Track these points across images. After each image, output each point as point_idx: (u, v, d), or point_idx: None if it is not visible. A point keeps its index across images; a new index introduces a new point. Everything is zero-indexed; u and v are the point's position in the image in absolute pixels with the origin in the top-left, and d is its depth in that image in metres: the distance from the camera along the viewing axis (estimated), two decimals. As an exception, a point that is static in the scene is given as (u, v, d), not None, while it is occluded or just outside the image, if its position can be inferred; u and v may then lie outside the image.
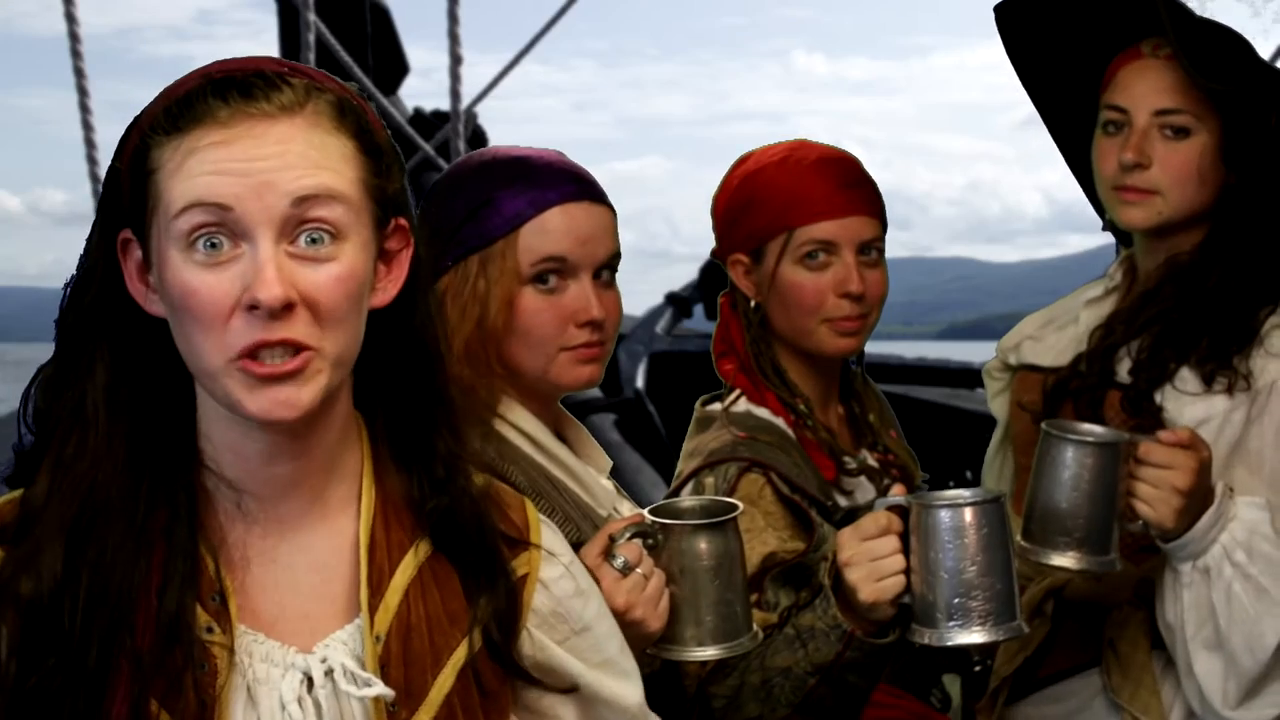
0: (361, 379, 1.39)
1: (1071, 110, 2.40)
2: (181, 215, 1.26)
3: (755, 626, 1.87)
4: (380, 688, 1.33)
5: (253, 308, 1.24)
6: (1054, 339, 2.40)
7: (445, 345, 1.46)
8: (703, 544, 1.81)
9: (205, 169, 1.25)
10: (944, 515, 1.86)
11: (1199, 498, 2.03)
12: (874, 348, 2.35)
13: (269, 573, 1.36)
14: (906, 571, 1.88)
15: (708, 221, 2.33)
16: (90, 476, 1.30)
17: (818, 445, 2.22)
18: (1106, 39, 2.29)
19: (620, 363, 6.86)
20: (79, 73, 5.18)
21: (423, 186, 2.54)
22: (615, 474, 2.09)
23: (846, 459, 2.23)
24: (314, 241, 1.27)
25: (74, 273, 1.37)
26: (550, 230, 1.89)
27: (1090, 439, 2.03)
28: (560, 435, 1.99)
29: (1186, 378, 2.19)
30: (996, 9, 2.37)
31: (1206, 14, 2.27)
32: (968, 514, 1.85)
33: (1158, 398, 2.20)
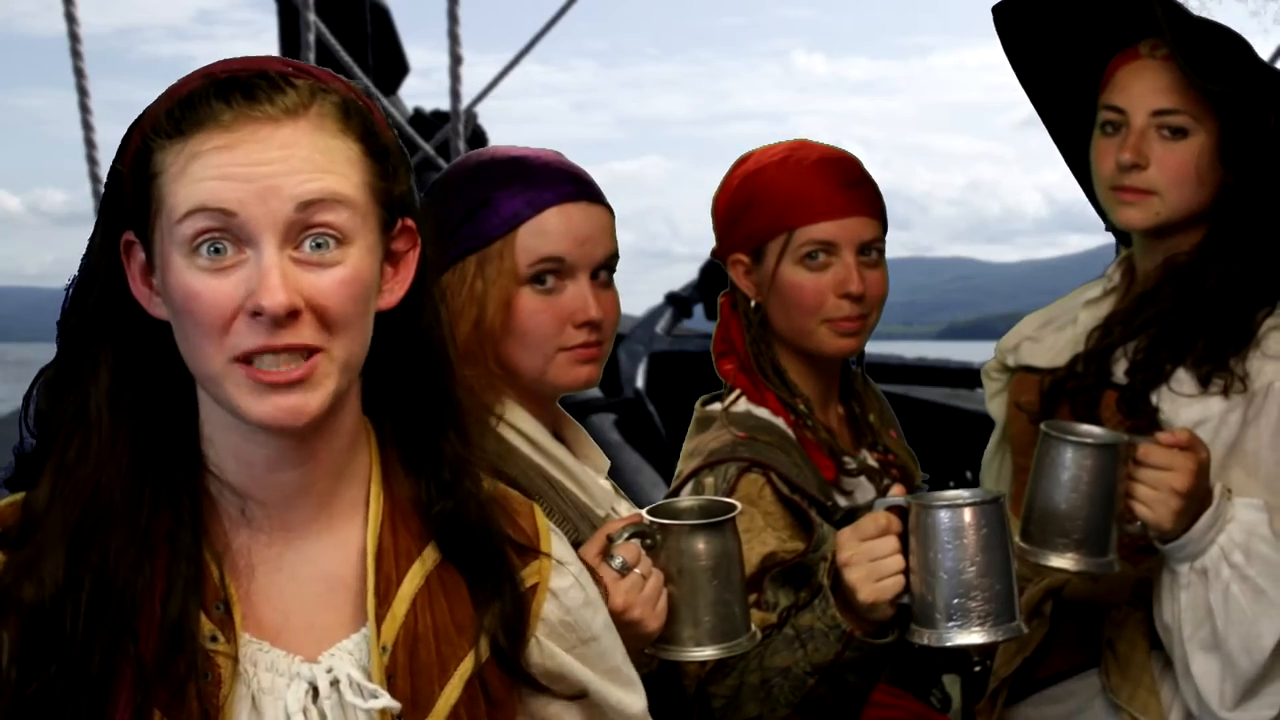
0: (370, 382, 1.37)
1: (1070, 111, 2.40)
2: (185, 220, 1.24)
3: (753, 627, 1.87)
4: (386, 699, 1.31)
5: (256, 314, 1.23)
6: (1052, 340, 2.40)
7: (453, 347, 1.45)
8: (701, 544, 1.81)
9: (208, 173, 1.24)
10: (943, 516, 1.86)
11: (1197, 499, 2.03)
12: (874, 348, 2.35)
13: (274, 581, 1.34)
14: (906, 572, 1.88)
15: (708, 221, 2.33)
16: (93, 481, 1.29)
17: (818, 445, 2.22)
18: (1105, 39, 2.29)
19: (620, 363, 6.86)
20: (79, 73, 5.18)
21: (423, 186, 2.53)
22: (615, 474, 2.09)
23: (846, 459, 2.23)
24: (319, 246, 1.26)
25: (76, 273, 1.35)
26: (548, 231, 1.89)
27: (1089, 440, 2.03)
28: (558, 435, 1.99)
29: (1183, 379, 2.19)
30: (995, 9, 2.37)
31: (1206, 14, 2.27)
32: (967, 514, 1.85)
33: (1154, 399, 2.20)
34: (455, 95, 6.36)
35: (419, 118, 8.35)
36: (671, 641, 1.82)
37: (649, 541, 1.81)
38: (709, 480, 2.13)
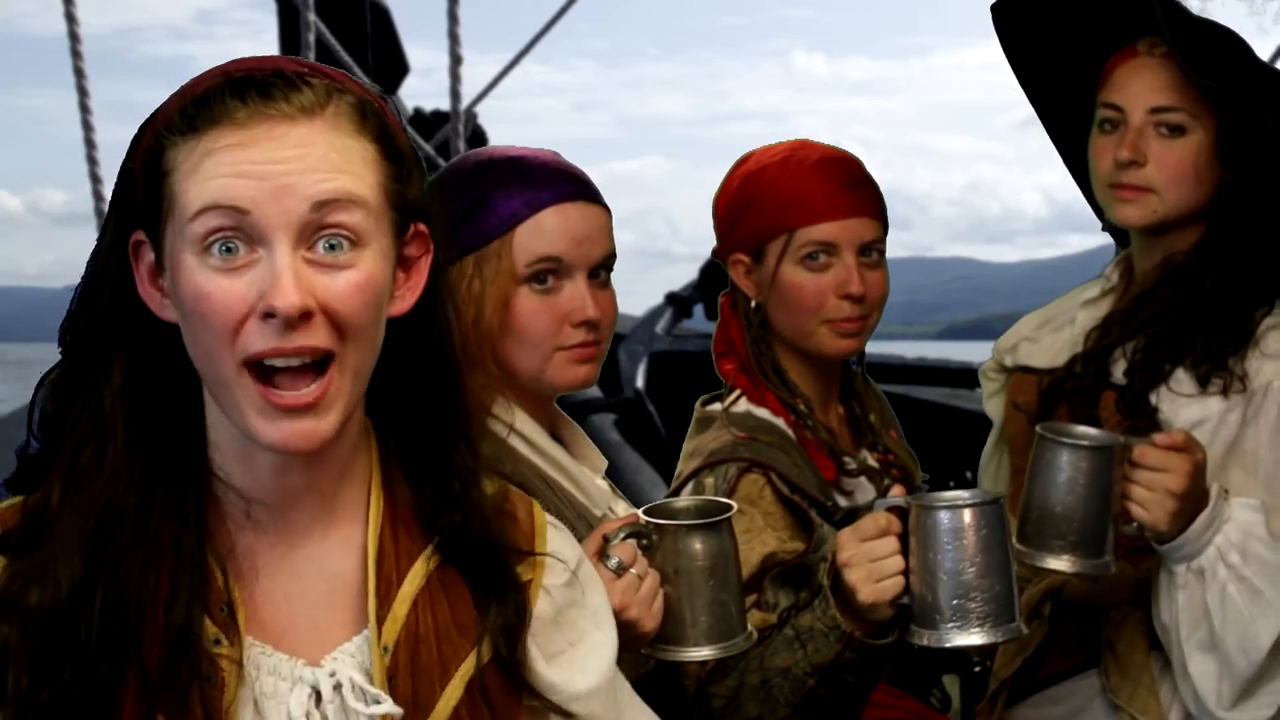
0: (375, 385, 1.35)
1: (1069, 110, 2.40)
2: (197, 218, 1.22)
3: (750, 627, 1.87)
4: (389, 705, 1.30)
5: (268, 315, 1.21)
6: (1050, 340, 2.40)
7: (463, 354, 1.43)
8: (697, 544, 1.81)
9: (222, 171, 1.22)
10: (943, 516, 1.86)
11: (1193, 500, 2.04)
12: (874, 348, 2.36)
13: (278, 583, 1.33)
14: (906, 573, 1.88)
15: (708, 221, 2.33)
16: (110, 488, 1.27)
17: (818, 445, 2.22)
18: (1103, 38, 2.29)
19: (620, 363, 6.86)
20: (79, 73, 5.17)
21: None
22: (615, 474, 2.08)
23: (846, 459, 2.23)
24: (333, 248, 1.24)
25: (83, 275, 1.34)
26: (546, 231, 1.89)
27: (1085, 442, 2.03)
28: (556, 435, 1.99)
29: (1182, 379, 2.19)
30: (993, 8, 2.37)
31: (1206, 14, 2.27)
32: (967, 515, 1.85)
33: (1153, 399, 2.20)
34: (455, 95, 6.35)
35: (419, 118, 8.35)
36: (668, 642, 1.82)
37: (645, 541, 1.81)
38: (709, 480, 2.13)
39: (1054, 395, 2.30)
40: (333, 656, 1.33)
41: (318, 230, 1.24)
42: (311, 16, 6.28)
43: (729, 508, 1.84)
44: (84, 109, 5.12)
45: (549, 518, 1.49)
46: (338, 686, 1.31)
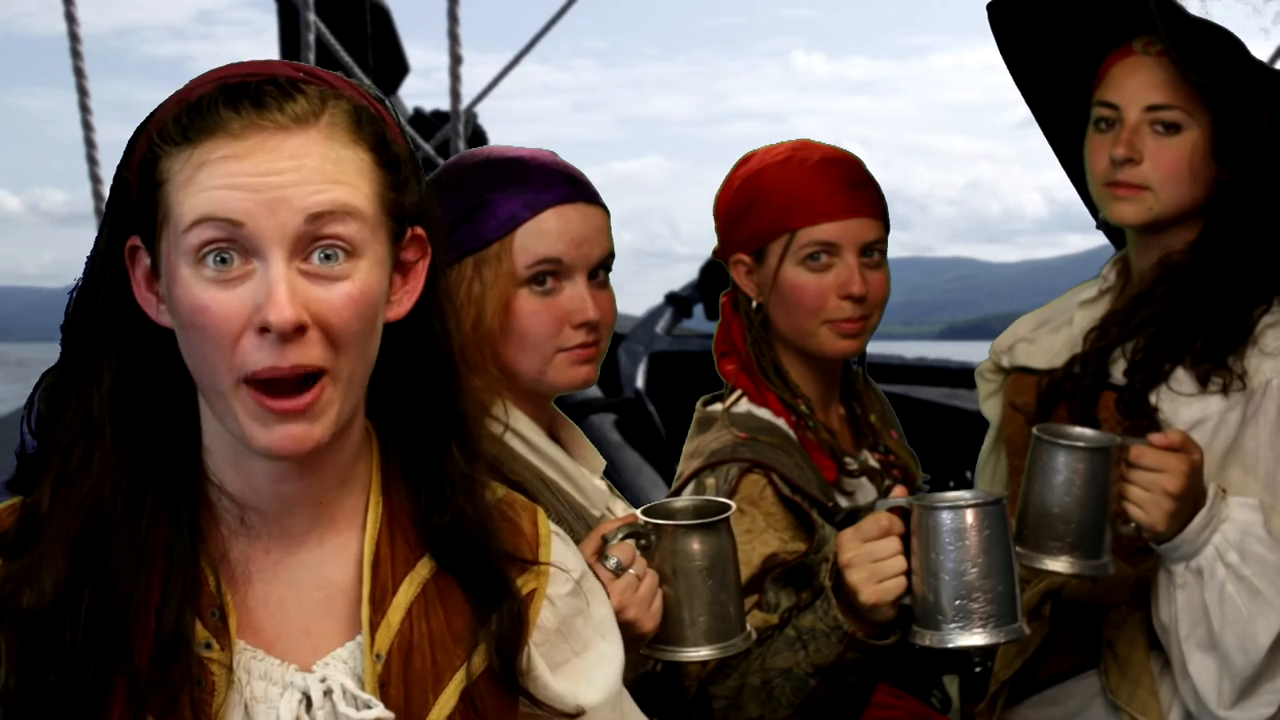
0: (375, 389, 1.35)
1: (1065, 110, 2.40)
2: (192, 230, 1.22)
3: (749, 627, 1.87)
4: (380, 710, 1.29)
5: (263, 329, 1.21)
6: (1048, 341, 2.40)
7: (463, 357, 1.42)
8: (696, 544, 1.81)
9: (217, 183, 1.21)
10: (945, 517, 1.86)
11: (1190, 500, 2.04)
12: (874, 348, 2.36)
13: (272, 588, 1.33)
14: (908, 573, 1.88)
15: (708, 221, 2.33)
16: (95, 490, 1.27)
17: (819, 446, 2.22)
18: (1099, 37, 2.30)
19: (620, 363, 6.86)
20: (79, 73, 5.17)
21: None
22: (615, 474, 2.08)
23: (848, 460, 2.23)
24: (328, 258, 1.23)
25: (79, 277, 1.33)
26: (545, 232, 1.89)
27: (1081, 444, 2.03)
28: (554, 436, 1.99)
29: (1182, 379, 2.19)
30: (989, 8, 2.37)
31: (1206, 14, 2.27)
32: (969, 516, 1.85)
33: (1153, 399, 2.20)
34: (455, 95, 6.35)
35: (419, 118, 8.36)
36: (667, 642, 1.82)
37: (644, 542, 1.80)
38: (710, 481, 2.13)
39: (1053, 396, 2.30)
40: (324, 662, 1.32)
41: (313, 241, 1.23)
42: (311, 16, 6.28)
43: (727, 508, 1.84)
44: (84, 109, 5.12)
45: (554, 527, 1.48)
46: (328, 692, 1.30)
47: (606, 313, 1.94)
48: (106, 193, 1.36)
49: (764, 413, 2.22)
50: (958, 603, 1.84)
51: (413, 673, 1.33)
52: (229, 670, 1.28)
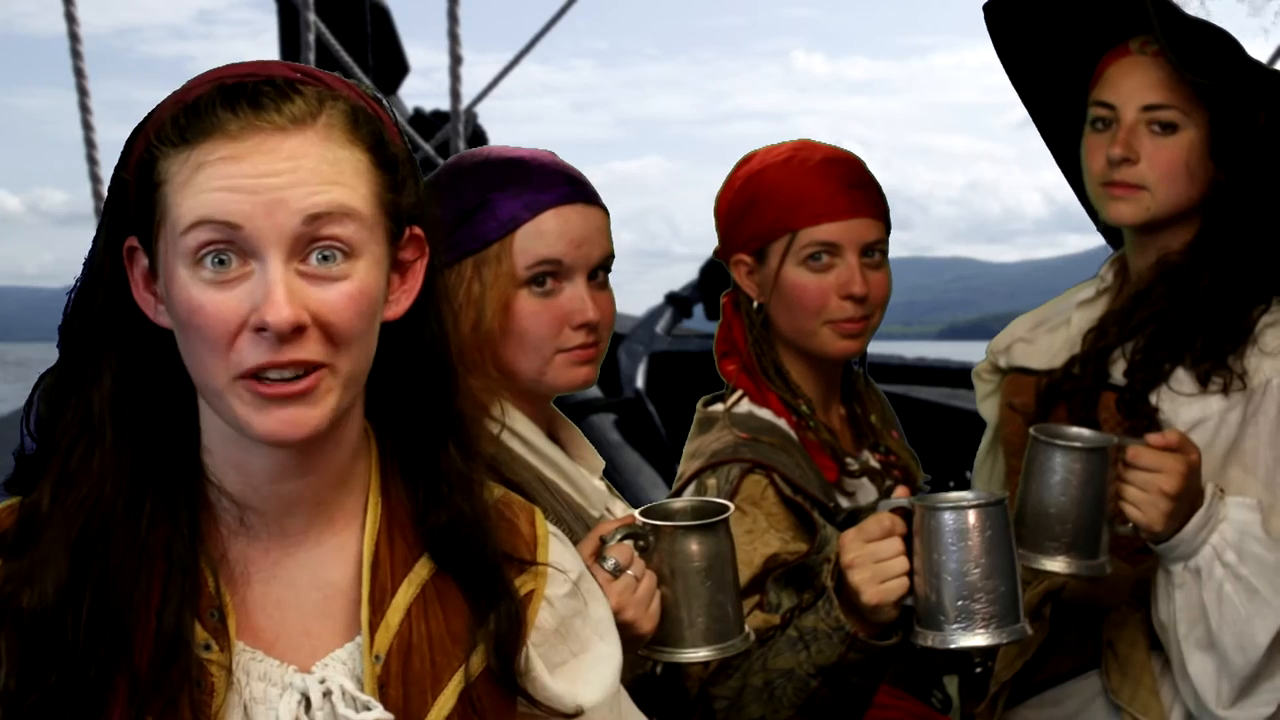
0: (374, 389, 1.35)
1: (1062, 110, 2.40)
2: (189, 232, 1.22)
3: (748, 628, 1.87)
4: (379, 712, 1.30)
5: (260, 329, 1.21)
6: (1046, 341, 2.40)
7: (459, 359, 1.42)
8: (694, 545, 1.81)
9: (215, 185, 1.22)
10: (948, 517, 1.86)
11: (1188, 500, 2.04)
12: (874, 348, 2.36)
13: (270, 589, 1.33)
14: (910, 574, 1.88)
15: (708, 221, 2.33)
16: (97, 491, 1.27)
17: (820, 446, 2.22)
18: (1095, 38, 2.30)
19: (620, 363, 6.86)
20: (79, 73, 5.17)
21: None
22: (615, 474, 2.08)
23: (848, 460, 2.23)
24: (326, 259, 1.24)
25: (78, 278, 1.33)
26: (545, 233, 1.89)
27: (1077, 444, 2.03)
28: (553, 436, 1.98)
29: (1182, 379, 2.19)
30: (985, 9, 2.37)
31: (1206, 14, 2.27)
32: (971, 516, 1.85)
33: (1153, 399, 2.20)
34: (455, 95, 6.36)
35: (419, 118, 8.36)
36: (665, 643, 1.82)
37: (642, 543, 1.80)
38: (711, 481, 2.13)
39: (1052, 396, 2.30)
40: (323, 663, 1.32)
41: (311, 243, 1.23)
42: (311, 16, 6.28)
43: (726, 509, 1.84)
44: (84, 109, 5.12)
45: (551, 528, 1.48)
46: (327, 693, 1.30)
47: (606, 313, 1.94)
48: (106, 193, 1.36)
49: (765, 413, 2.22)
50: (960, 603, 1.84)
51: (411, 674, 1.33)
52: (228, 671, 1.28)
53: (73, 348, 1.32)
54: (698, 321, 7.62)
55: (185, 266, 1.23)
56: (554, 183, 1.92)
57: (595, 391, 6.30)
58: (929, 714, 2.27)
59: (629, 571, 1.75)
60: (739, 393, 2.25)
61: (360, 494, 1.37)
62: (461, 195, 1.91)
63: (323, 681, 1.30)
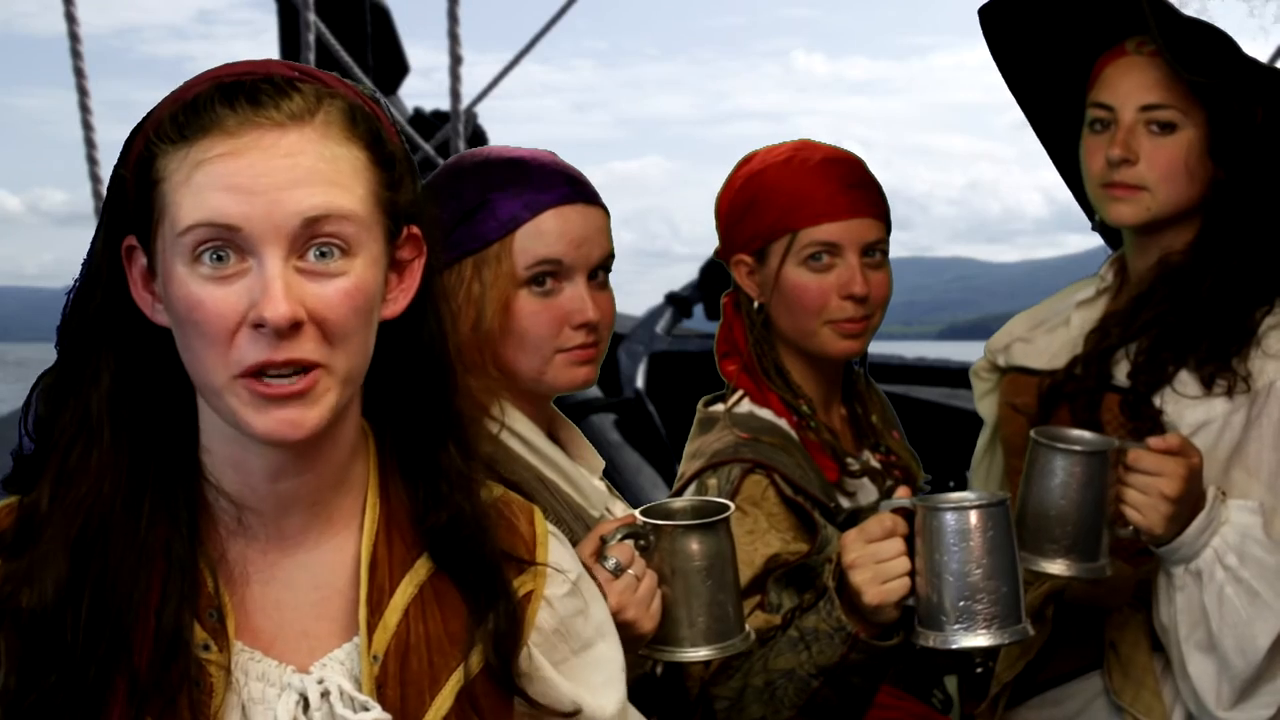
0: (372, 389, 1.35)
1: (1059, 112, 2.40)
2: (188, 233, 1.23)
3: (748, 628, 1.87)
4: (377, 712, 1.30)
5: (259, 325, 1.21)
6: (1045, 341, 2.40)
7: (457, 357, 1.43)
8: (694, 545, 1.81)
9: (213, 184, 1.22)
10: (949, 518, 1.85)
11: (1189, 503, 2.04)
12: (874, 348, 2.36)
13: (269, 589, 1.33)
14: (911, 574, 1.88)
15: (708, 221, 2.33)
16: (95, 491, 1.28)
17: (820, 446, 2.22)
18: (1091, 39, 2.30)
19: (620, 363, 6.86)
20: (79, 73, 5.17)
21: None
22: (615, 474, 2.08)
23: (849, 460, 2.23)
24: (323, 255, 1.24)
25: (77, 278, 1.34)
26: (545, 233, 1.89)
27: (1079, 447, 2.03)
28: (553, 436, 1.98)
29: (1186, 380, 2.19)
30: (981, 11, 2.37)
31: (1207, 14, 2.27)
32: (973, 517, 1.85)
33: (1157, 401, 2.19)
34: (455, 95, 6.36)
35: (419, 118, 8.36)
36: (666, 642, 1.82)
37: (643, 542, 1.80)
38: (712, 481, 2.13)
39: (1054, 397, 2.29)
40: (321, 663, 1.33)
41: (309, 240, 1.24)
42: (311, 16, 6.27)
43: (726, 508, 1.84)
44: (84, 109, 5.12)
45: (551, 528, 1.48)
46: (325, 694, 1.30)
47: (606, 313, 1.94)
48: (105, 192, 1.36)
49: (765, 413, 2.22)
50: (961, 604, 1.84)
51: (409, 674, 1.33)
52: (227, 672, 1.28)
53: (71, 347, 1.33)
54: (698, 321, 7.61)
55: (184, 263, 1.23)
56: (554, 183, 1.92)
57: (595, 391, 6.30)
58: (929, 714, 2.27)
59: (630, 571, 1.75)
60: (740, 393, 2.25)
61: (358, 494, 1.37)
62: (461, 195, 1.91)
63: (320, 682, 1.31)
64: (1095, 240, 2.53)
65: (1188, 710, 2.15)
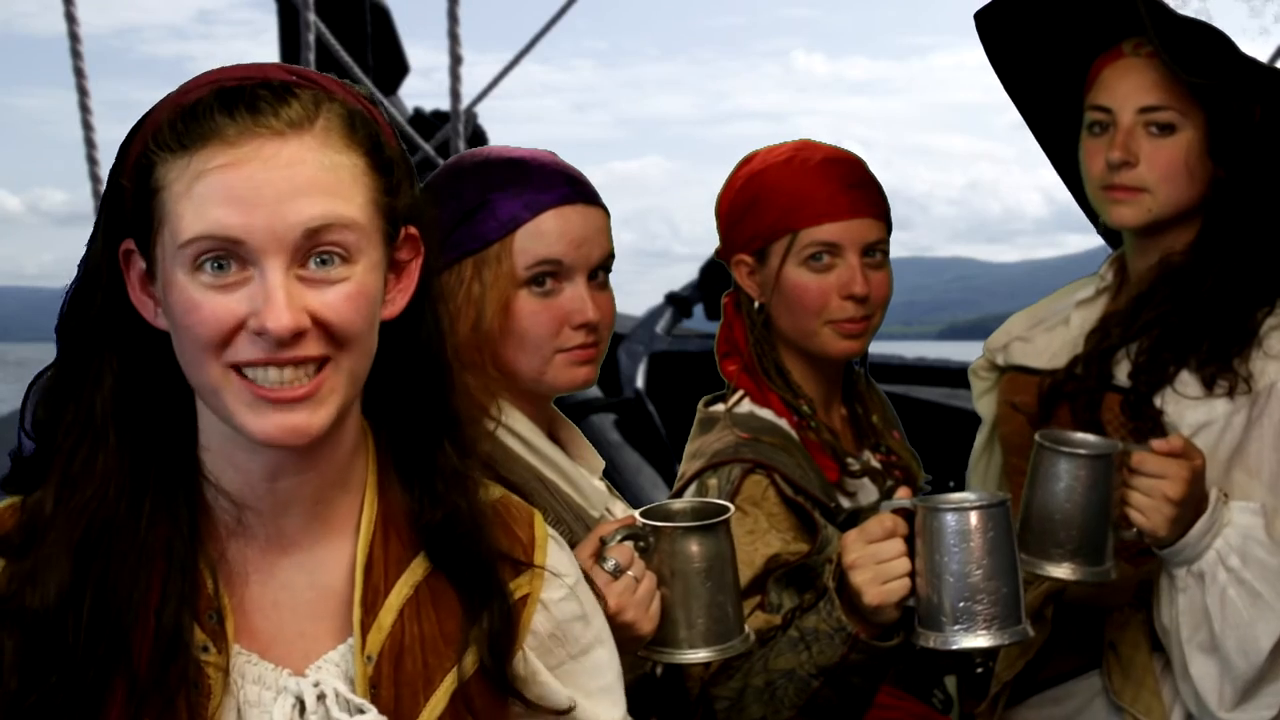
0: (370, 388, 1.36)
1: (1057, 114, 2.40)
2: (190, 245, 1.23)
3: (748, 629, 1.87)
4: (373, 714, 1.30)
5: (260, 333, 1.22)
6: (1044, 340, 2.40)
7: (455, 357, 1.43)
8: (694, 546, 1.81)
9: (214, 196, 1.22)
10: (950, 518, 1.85)
11: (1192, 505, 2.04)
12: (874, 348, 2.36)
13: (267, 590, 1.34)
14: (911, 574, 1.88)
15: (708, 221, 2.33)
16: (100, 493, 1.28)
17: (820, 447, 2.21)
18: (1087, 41, 2.29)
19: (620, 363, 6.85)
20: (79, 73, 5.17)
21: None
22: (615, 474, 2.08)
23: (849, 460, 2.23)
24: (324, 263, 1.25)
25: (74, 280, 1.34)
26: (545, 233, 1.89)
27: (1083, 451, 2.03)
28: (553, 436, 1.98)
29: (1187, 381, 2.19)
30: (977, 16, 2.37)
31: (1207, 14, 2.27)
32: (974, 517, 1.85)
33: (1158, 401, 2.19)
34: (455, 95, 6.35)
35: (419, 118, 8.35)
36: (665, 644, 1.82)
37: (642, 543, 1.80)
38: (712, 481, 2.13)
39: (1055, 397, 2.29)
40: (317, 666, 1.33)
41: (310, 250, 1.24)
42: (311, 16, 6.27)
43: (726, 509, 1.84)
44: (84, 109, 5.11)
45: (550, 531, 1.48)
46: (321, 696, 1.30)
47: (606, 313, 1.94)
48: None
49: (766, 413, 2.22)
50: (961, 604, 1.84)
51: (404, 674, 1.33)
52: (225, 674, 1.28)
53: (71, 350, 1.33)
54: (698, 321, 7.60)
55: (184, 272, 1.24)
56: (554, 183, 1.92)
57: (595, 391, 6.29)
58: (929, 714, 2.27)
59: (629, 572, 1.75)
60: (740, 393, 2.25)
61: (357, 494, 1.37)
62: (462, 195, 1.91)
63: (316, 685, 1.31)
64: (1095, 240, 2.53)
65: (1187, 710, 2.15)
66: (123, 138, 1.31)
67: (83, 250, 1.35)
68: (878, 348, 2.57)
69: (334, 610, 1.35)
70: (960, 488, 2.34)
